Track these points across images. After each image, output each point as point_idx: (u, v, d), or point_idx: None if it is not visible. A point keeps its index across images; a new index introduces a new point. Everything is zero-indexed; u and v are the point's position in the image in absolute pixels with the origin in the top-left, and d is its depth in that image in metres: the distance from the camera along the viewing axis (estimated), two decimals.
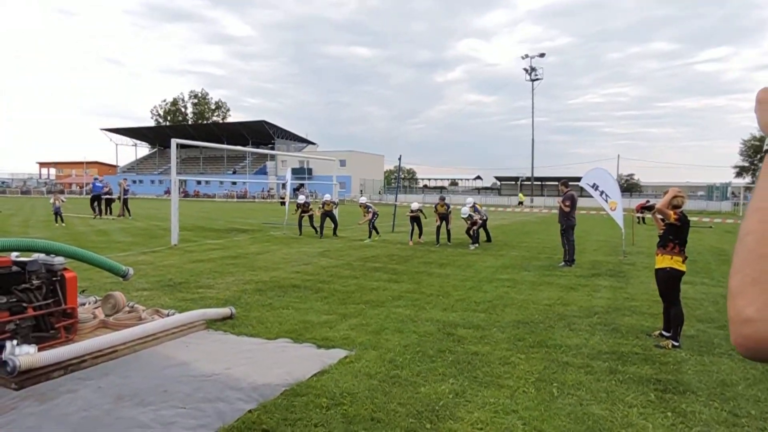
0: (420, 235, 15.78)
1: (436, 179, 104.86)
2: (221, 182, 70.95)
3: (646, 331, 6.19)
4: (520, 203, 52.19)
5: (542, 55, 62.91)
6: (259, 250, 13.37)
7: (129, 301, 6.33)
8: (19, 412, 3.75)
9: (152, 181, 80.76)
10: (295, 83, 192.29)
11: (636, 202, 32.18)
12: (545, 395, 4.25)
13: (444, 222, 15.36)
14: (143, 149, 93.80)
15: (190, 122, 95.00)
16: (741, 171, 70.36)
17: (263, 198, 61.75)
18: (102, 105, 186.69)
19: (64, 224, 19.92)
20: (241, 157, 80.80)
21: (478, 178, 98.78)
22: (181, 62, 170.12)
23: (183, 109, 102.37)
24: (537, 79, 63.03)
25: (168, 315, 5.93)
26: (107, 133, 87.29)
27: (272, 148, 73.25)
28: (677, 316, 5.70)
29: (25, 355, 4.16)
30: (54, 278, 5.06)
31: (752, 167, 67.13)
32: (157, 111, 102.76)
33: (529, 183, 65.00)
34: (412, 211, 15.71)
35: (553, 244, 15.14)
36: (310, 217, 17.72)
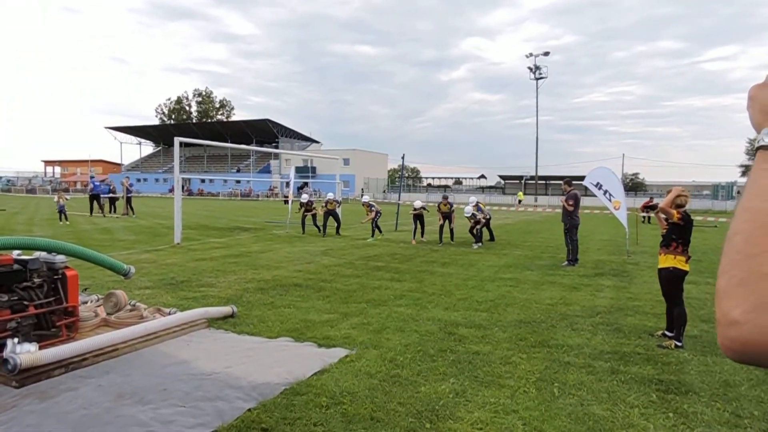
0: (422, 234, 15.76)
1: (440, 178, 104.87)
2: (225, 181, 71.10)
3: (649, 331, 6.15)
4: (520, 201, 52.65)
5: (546, 53, 62.86)
6: (262, 249, 13.38)
7: (131, 299, 6.35)
8: (19, 410, 3.76)
9: (156, 180, 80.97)
10: (299, 82, 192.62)
11: (641, 201, 32.10)
12: (546, 395, 4.22)
13: (447, 221, 15.34)
14: (147, 148, 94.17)
15: (194, 121, 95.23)
16: (747, 170, 69.84)
17: (267, 196, 61.81)
18: (106, 103, 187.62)
19: (68, 222, 20.00)
20: (245, 156, 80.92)
21: (482, 177, 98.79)
22: (185, 60, 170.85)
23: (187, 108, 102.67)
24: (541, 78, 62.93)
25: (169, 313, 5.94)
26: (112, 131, 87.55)
27: (276, 147, 73.31)
28: (680, 316, 5.66)
29: (26, 353, 4.16)
30: (55, 276, 5.08)
31: None
32: (161, 109, 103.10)
33: (533, 182, 64.87)
34: (415, 209, 15.69)
35: (557, 243, 15.10)
36: (313, 216, 17.72)
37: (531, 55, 62.91)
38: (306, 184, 44.05)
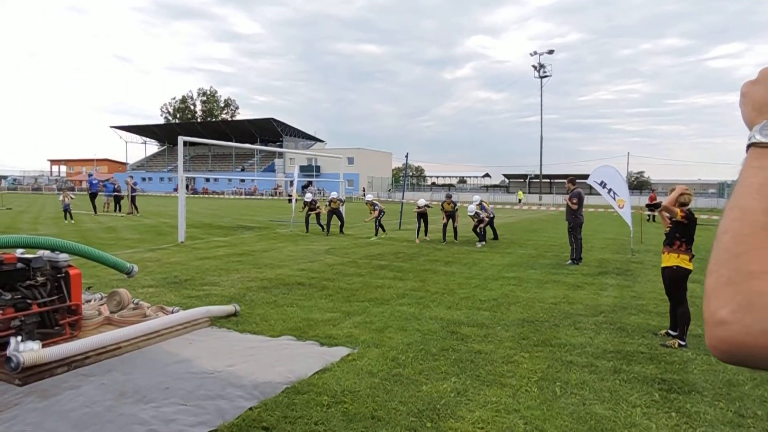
0: (426, 232, 15.74)
1: (444, 176, 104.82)
2: (230, 180, 71.27)
3: (653, 330, 6.13)
4: (519, 200, 53.01)
5: (551, 51, 62.53)
6: (266, 248, 13.40)
7: (134, 298, 6.36)
8: (21, 408, 3.77)
9: (161, 179, 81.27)
10: (303, 81, 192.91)
11: (646, 199, 31.97)
12: (548, 394, 4.21)
13: (451, 220, 15.31)
14: (152, 147, 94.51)
15: (198, 120, 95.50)
16: None
17: (271, 195, 61.93)
18: (112, 102, 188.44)
19: (73, 221, 20.08)
20: (250, 155, 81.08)
21: (487, 175, 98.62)
22: (190, 60, 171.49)
23: (192, 107, 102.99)
24: (546, 76, 62.70)
25: (172, 312, 5.95)
26: (117, 130, 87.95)
27: (280, 146, 73.51)
28: (684, 315, 5.63)
29: (29, 351, 4.18)
30: (59, 275, 5.09)
31: None
32: (167, 108, 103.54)
33: (538, 181, 64.73)
34: (418, 208, 15.66)
35: (561, 242, 15.05)
36: (317, 215, 17.74)
37: (536, 53, 62.74)
38: (310, 183, 44.07)
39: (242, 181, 71.93)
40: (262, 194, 64.56)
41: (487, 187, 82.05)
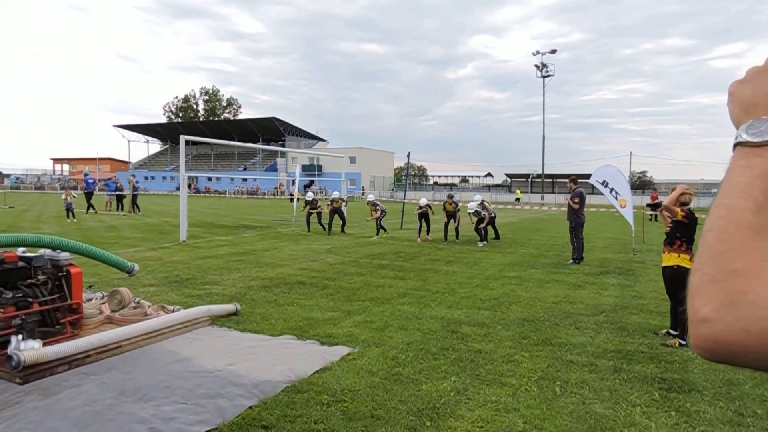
0: (428, 232, 15.73)
1: (446, 176, 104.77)
2: (232, 179, 71.36)
3: (654, 330, 6.12)
4: (517, 200, 53.12)
5: (553, 51, 62.43)
6: (267, 247, 13.42)
7: (135, 296, 6.38)
8: (22, 406, 3.79)
9: (164, 178, 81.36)
10: (306, 80, 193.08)
11: (648, 200, 31.90)
12: (548, 394, 4.21)
13: (452, 220, 15.30)
14: (155, 146, 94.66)
15: (201, 119, 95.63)
16: None
17: (273, 195, 61.98)
18: (115, 101, 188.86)
19: (75, 220, 20.13)
20: (252, 154, 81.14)
21: (489, 175, 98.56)
22: (193, 59, 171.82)
23: (194, 106, 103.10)
24: (548, 76, 62.57)
25: (173, 311, 5.96)
26: (120, 129, 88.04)
27: (283, 145, 73.53)
28: (684, 314, 5.63)
29: (29, 350, 4.20)
30: (60, 274, 5.11)
31: None
32: (169, 108, 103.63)
33: (540, 180, 64.68)
34: (420, 208, 15.66)
35: (562, 241, 15.04)
36: (318, 214, 17.75)
37: (538, 52, 62.59)
38: (312, 182, 44.06)
39: (244, 180, 71.99)
40: (264, 193, 64.62)
41: (489, 187, 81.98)
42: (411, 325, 6.16)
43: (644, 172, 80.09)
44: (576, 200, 11.50)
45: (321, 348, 5.27)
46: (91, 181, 25.24)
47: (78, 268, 5.25)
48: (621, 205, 12.43)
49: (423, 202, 15.79)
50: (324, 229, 17.30)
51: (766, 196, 0.60)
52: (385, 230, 16.54)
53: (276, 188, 65.94)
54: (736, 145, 0.67)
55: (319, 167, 67.10)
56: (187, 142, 14.71)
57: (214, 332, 5.80)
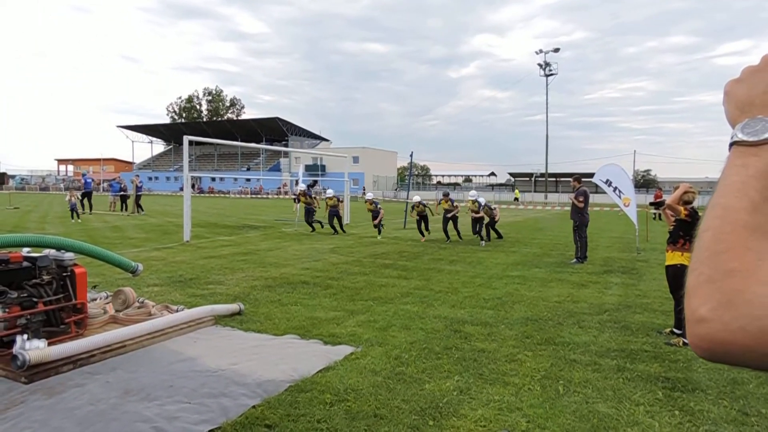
0: (427, 228, 15.60)
1: (449, 175, 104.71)
2: (235, 179, 71.45)
3: (657, 329, 6.10)
4: (516, 199, 53.14)
5: (557, 50, 62.32)
6: (270, 247, 13.44)
7: (139, 296, 6.40)
8: (27, 405, 3.81)
9: (168, 178, 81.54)
10: (308, 80, 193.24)
11: (652, 198, 31.78)
12: (551, 393, 4.21)
13: (451, 221, 15.11)
14: (159, 146, 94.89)
15: (204, 119, 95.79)
16: None
17: (277, 195, 62.05)
18: (118, 102, 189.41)
19: (80, 220, 20.21)
20: (255, 154, 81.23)
21: (492, 174, 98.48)
22: (196, 59, 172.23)
23: (198, 107, 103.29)
24: (551, 75, 62.52)
25: (177, 311, 5.99)
26: (123, 130, 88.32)
27: (286, 145, 73.65)
28: (682, 314, 5.61)
29: (34, 349, 4.22)
30: (64, 274, 5.13)
31: None
32: (173, 108, 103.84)
33: (543, 179, 64.55)
34: (414, 206, 15.56)
35: (566, 240, 15.02)
36: (308, 211, 17.53)
37: (541, 51, 62.56)
38: (315, 182, 44.09)
39: (248, 180, 72.07)
40: (267, 193, 64.68)
41: (492, 186, 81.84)
42: (414, 324, 6.16)
43: (648, 170, 79.94)
44: (581, 199, 11.47)
45: (324, 347, 5.28)
46: (89, 180, 25.45)
47: (82, 268, 5.27)
48: (625, 204, 12.41)
49: (416, 199, 15.68)
50: (311, 228, 17.37)
51: (762, 196, 0.60)
52: (379, 232, 16.42)
53: (279, 188, 66.00)
54: (731, 144, 0.68)
55: (323, 167, 67.18)
56: (190, 143, 14.74)
57: (217, 332, 5.82)
